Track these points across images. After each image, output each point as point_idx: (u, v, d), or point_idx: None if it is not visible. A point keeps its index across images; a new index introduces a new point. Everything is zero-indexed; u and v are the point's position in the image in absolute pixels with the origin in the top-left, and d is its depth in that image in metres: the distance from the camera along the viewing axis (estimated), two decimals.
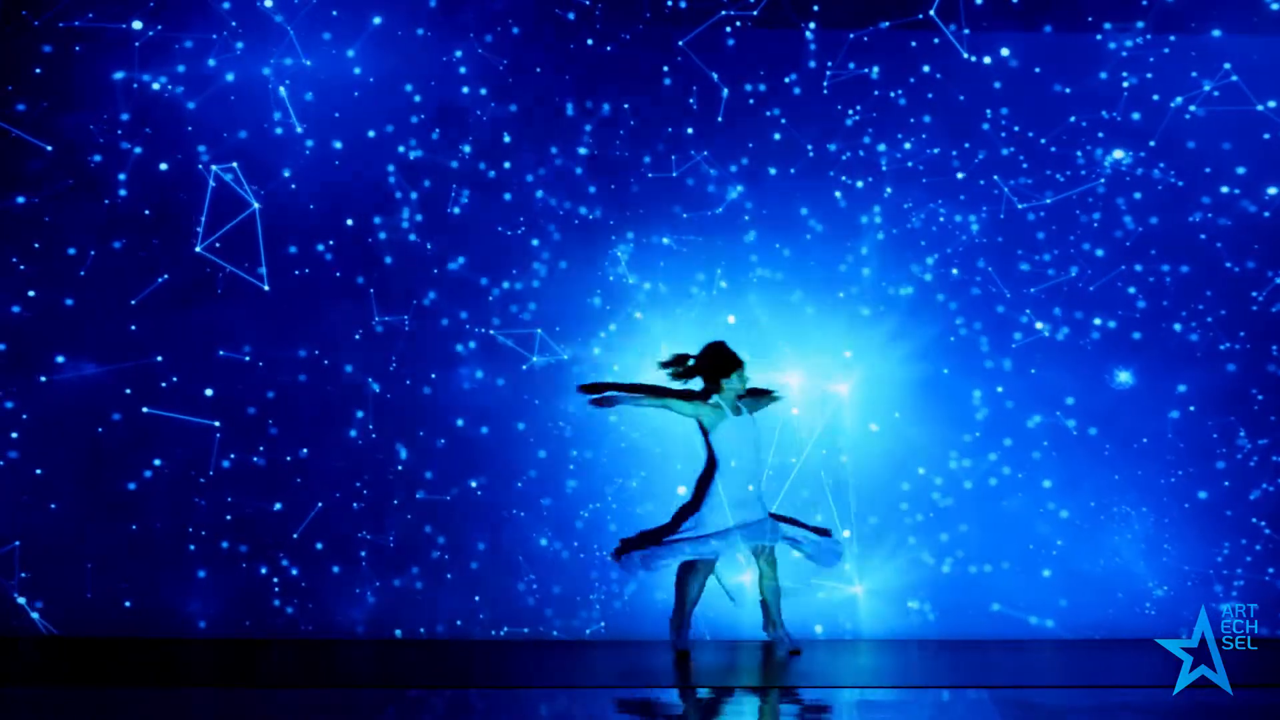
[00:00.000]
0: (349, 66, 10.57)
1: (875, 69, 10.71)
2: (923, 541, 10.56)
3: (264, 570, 10.44)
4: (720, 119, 10.69)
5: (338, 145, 10.55)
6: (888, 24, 10.63)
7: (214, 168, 10.42)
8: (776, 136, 10.71)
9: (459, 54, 10.65)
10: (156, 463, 10.43)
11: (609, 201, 10.68)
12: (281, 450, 10.50)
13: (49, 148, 10.45)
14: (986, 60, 10.69)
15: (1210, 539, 10.56)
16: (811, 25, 10.68)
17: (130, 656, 9.82)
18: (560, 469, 10.61)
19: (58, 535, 10.37)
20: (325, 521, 10.47)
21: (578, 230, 10.67)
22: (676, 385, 10.03)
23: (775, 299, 10.67)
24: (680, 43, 10.63)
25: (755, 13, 10.63)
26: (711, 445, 9.88)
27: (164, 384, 10.44)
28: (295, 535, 10.43)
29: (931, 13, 10.53)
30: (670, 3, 10.65)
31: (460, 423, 10.58)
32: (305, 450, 10.49)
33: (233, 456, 10.47)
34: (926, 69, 10.71)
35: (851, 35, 10.66)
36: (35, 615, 10.33)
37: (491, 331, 10.58)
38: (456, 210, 10.64)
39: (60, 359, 10.42)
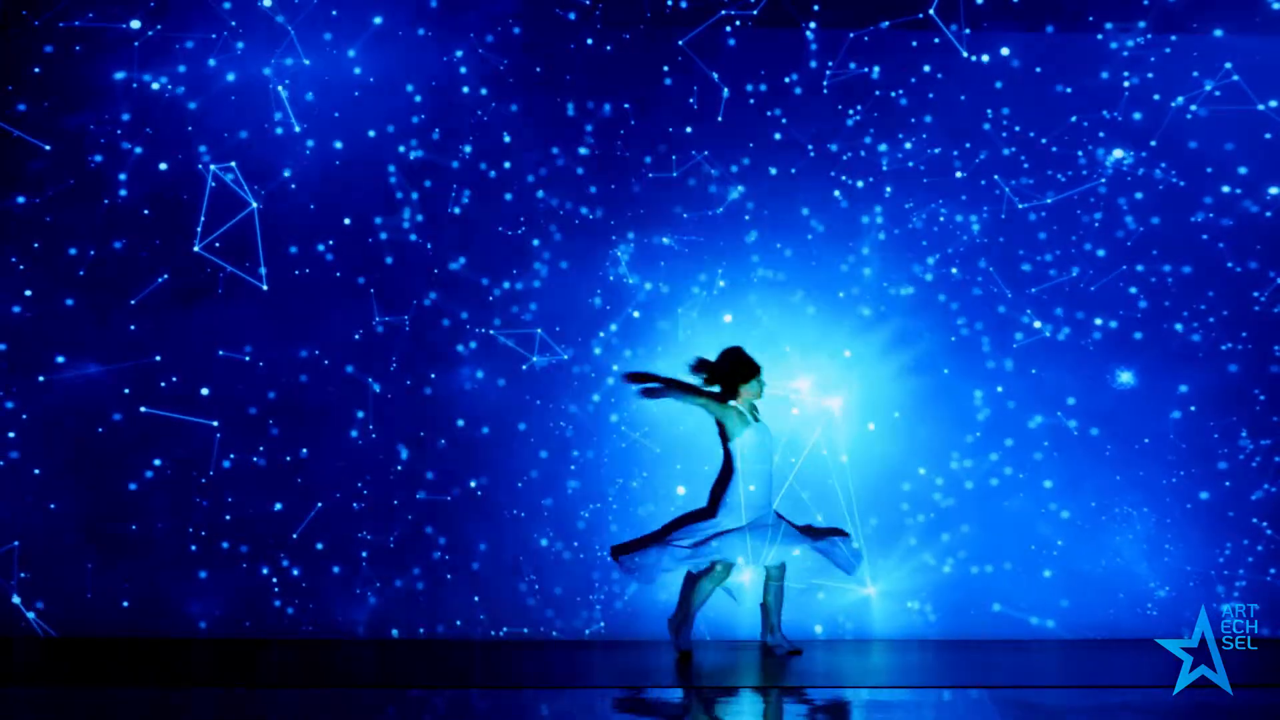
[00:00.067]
0: (350, 66, 10.57)
1: (876, 69, 10.70)
2: (924, 542, 10.54)
3: (264, 570, 10.43)
4: (720, 119, 10.69)
5: (338, 145, 10.56)
6: (888, 24, 10.62)
7: (213, 167, 10.43)
8: (777, 136, 10.71)
9: (460, 54, 10.66)
10: (157, 463, 10.43)
11: (610, 201, 10.68)
12: (282, 450, 10.50)
13: (47, 147, 10.45)
14: (987, 60, 10.68)
15: (1212, 539, 10.55)
16: (812, 25, 10.67)
17: (130, 657, 9.81)
18: (561, 469, 10.60)
19: (58, 535, 10.37)
20: (326, 522, 10.47)
21: (578, 230, 10.67)
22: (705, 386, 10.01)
23: (776, 299, 10.66)
24: (680, 42, 10.63)
25: (755, 12, 10.62)
26: (731, 452, 9.81)
27: (164, 384, 10.44)
28: (295, 535, 10.42)
29: (931, 12, 10.53)
30: (670, 3, 10.65)
31: (461, 423, 10.58)
32: (305, 450, 10.49)
33: (232, 456, 10.47)
34: (927, 69, 10.70)
35: (852, 35, 10.66)
36: (31, 615, 10.33)
37: (492, 331, 10.58)
38: (457, 210, 10.64)
39: (60, 359, 10.42)
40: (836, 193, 10.69)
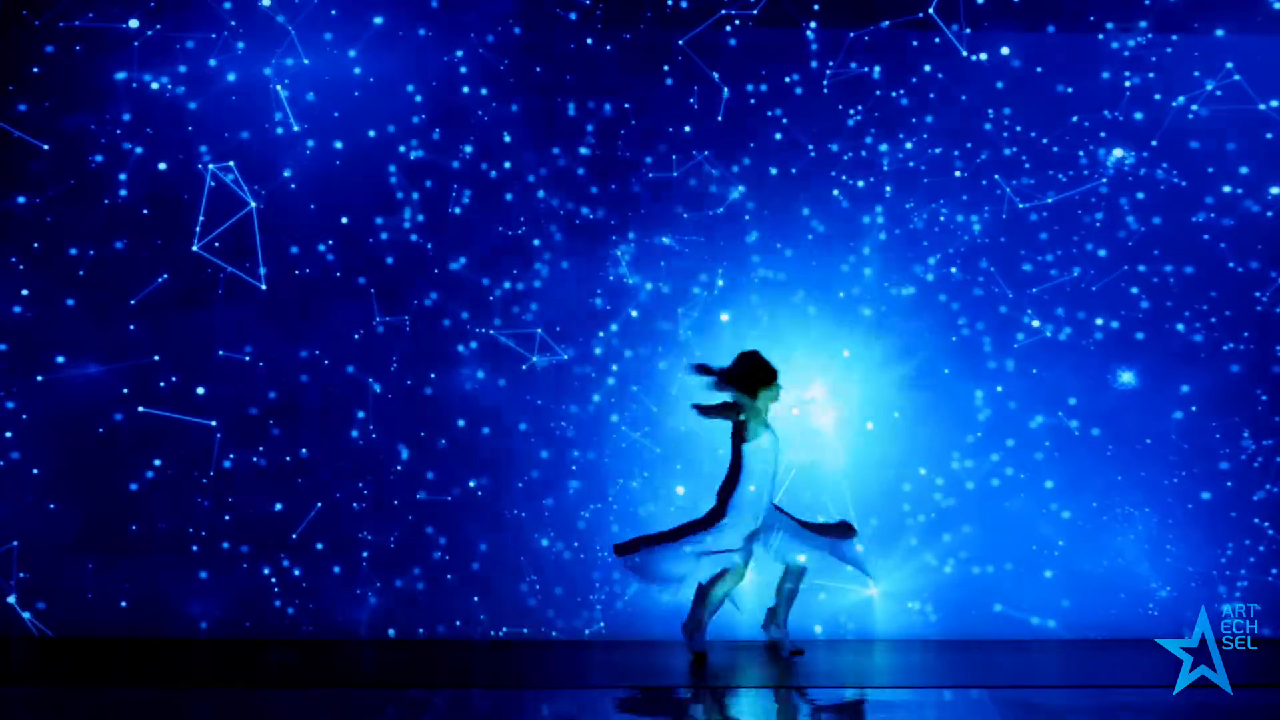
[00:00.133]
0: (350, 66, 10.57)
1: (877, 69, 10.69)
2: (925, 542, 10.53)
3: (265, 571, 10.43)
4: (720, 119, 10.68)
5: (339, 145, 10.55)
6: (889, 23, 10.61)
7: (211, 167, 10.42)
8: (778, 136, 10.70)
9: (460, 54, 10.65)
10: (157, 463, 10.43)
11: (610, 202, 10.68)
12: (282, 450, 10.50)
13: (45, 146, 10.45)
14: (985, 58, 10.67)
15: (1213, 540, 10.54)
16: (812, 25, 10.66)
17: (130, 657, 9.81)
18: (562, 469, 10.60)
19: (58, 535, 10.37)
20: (326, 522, 10.47)
21: (579, 230, 10.67)
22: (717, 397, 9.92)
23: (777, 299, 10.65)
24: (680, 42, 10.62)
25: (755, 11, 10.61)
26: (743, 454, 9.72)
27: (165, 384, 10.44)
28: (294, 536, 10.42)
29: (930, 11, 10.52)
30: (671, 3, 10.64)
31: (461, 423, 10.58)
32: (306, 451, 10.49)
33: (232, 456, 10.47)
34: (928, 68, 10.70)
35: (852, 34, 10.65)
36: (27, 615, 10.33)
37: (491, 331, 10.57)
38: (458, 210, 10.64)
39: (60, 359, 10.42)
40: (836, 192, 10.68)
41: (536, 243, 10.64)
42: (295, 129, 10.51)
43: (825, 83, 10.70)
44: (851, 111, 10.70)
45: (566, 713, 8.49)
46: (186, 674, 9.38)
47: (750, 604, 10.26)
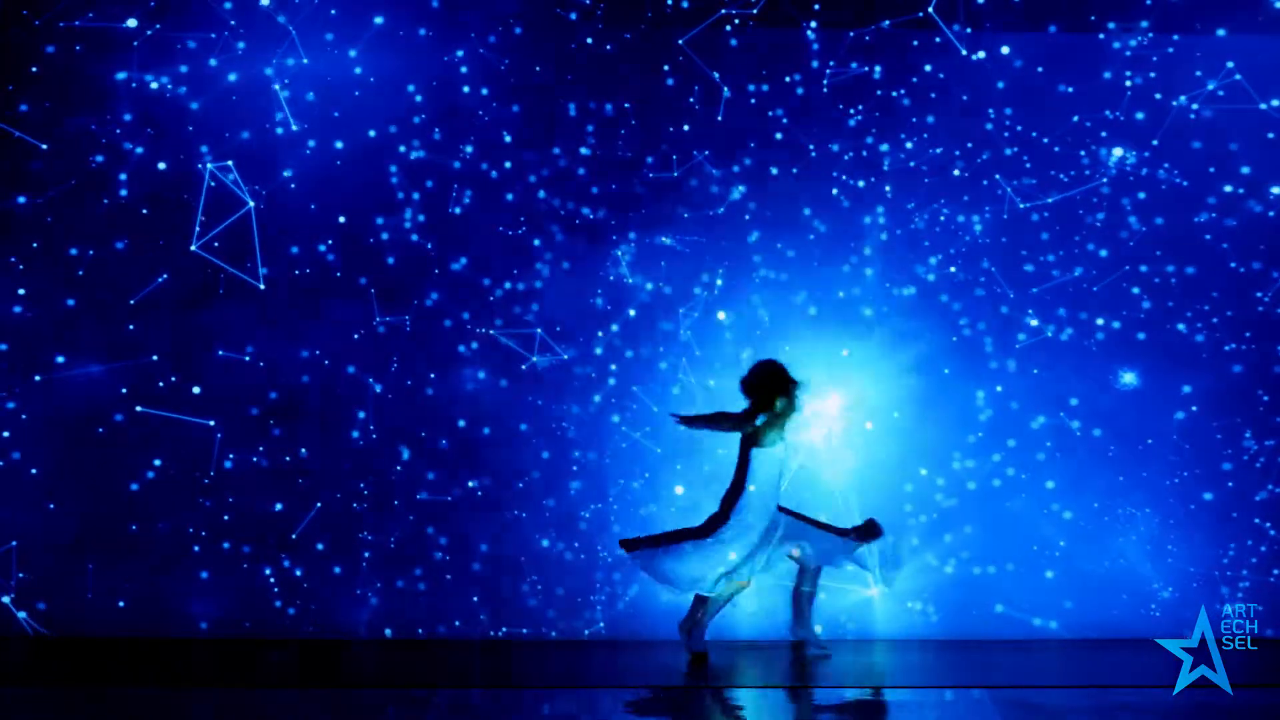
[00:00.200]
0: (350, 66, 10.56)
1: (878, 68, 10.68)
2: (926, 542, 10.51)
3: (266, 571, 10.43)
4: (720, 118, 10.67)
5: (339, 145, 10.54)
6: (889, 23, 10.60)
7: (210, 166, 10.41)
8: (778, 136, 10.69)
9: (461, 54, 10.65)
10: (157, 463, 10.43)
11: (611, 202, 10.67)
12: (283, 451, 10.49)
13: (44, 146, 10.45)
14: (984, 57, 10.65)
15: (1215, 541, 10.52)
16: (813, 24, 10.65)
17: (131, 657, 9.81)
18: (563, 470, 10.59)
19: (58, 535, 10.37)
20: (327, 522, 10.47)
21: (580, 230, 10.66)
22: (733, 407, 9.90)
23: (778, 300, 10.64)
24: (680, 41, 10.61)
25: (754, 11, 10.60)
26: (750, 458, 9.69)
27: (165, 384, 10.43)
28: (294, 535, 10.41)
29: (930, 10, 10.50)
30: (671, 2, 10.63)
31: (462, 423, 10.58)
32: (306, 451, 10.49)
33: (232, 456, 10.46)
34: (929, 68, 10.68)
35: (852, 34, 10.63)
36: (22, 615, 10.32)
37: (492, 332, 10.57)
38: (458, 210, 10.63)
39: (60, 359, 10.42)
40: (836, 192, 10.67)
41: (537, 243, 10.63)
42: (295, 129, 10.51)
43: (825, 82, 10.69)
44: (852, 111, 10.69)
45: (567, 712, 8.49)
46: (187, 674, 9.38)
47: (751, 605, 10.26)
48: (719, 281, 10.65)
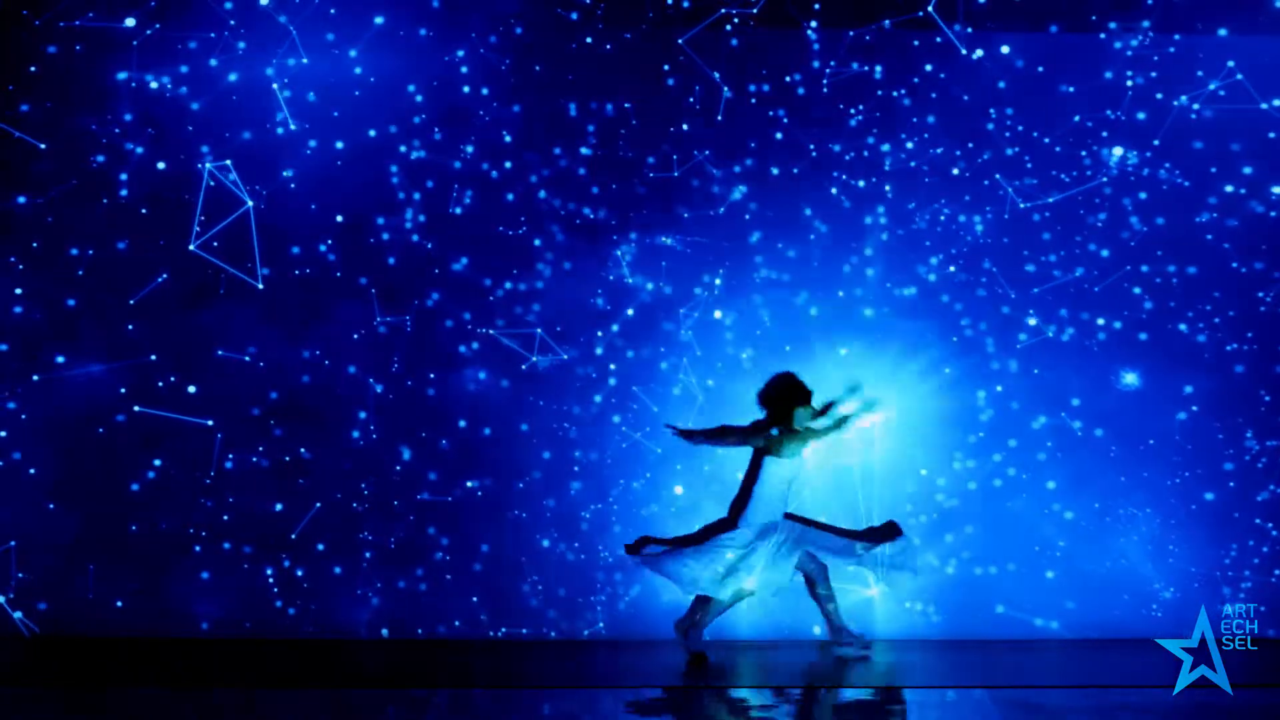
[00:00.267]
0: (351, 66, 10.57)
1: (878, 68, 10.67)
2: (927, 543, 10.49)
3: (267, 571, 10.43)
4: (720, 118, 10.66)
5: (340, 145, 10.55)
6: (890, 23, 10.59)
7: (208, 165, 10.41)
8: (779, 136, 10.69)
9: (461, 54, 10.65)
10: (158, 463, 10.43)
11: (612, 202, 10.67)
12: (283, 451, 10.49)
13: (43, 145, 10.45)
14: (990, 59, 10.64)
15: (1217, 541, 10.51)
16: (813, 24, 10.65)
17: (131, 657, 9.81)
18: (564, 470, 10.59)
19: (58, 535, 10.37)
20: (328, 522, 10.47)
21: (580, 231, 10.66)
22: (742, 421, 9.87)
23: (779, 300, 10.64)
24: (680, 40, 10.60)
25: (755, 10, 10.60)
26: (762, 466, 9.65)
27: (164, 385, 10.43)
28: (293, 536, 10.41)
29: (930, 9, 10.49)
30: (671, 2, 10.63)
31: (463, 423, 10.58)
32: (306, 451, 10.49)
33: (231, 457, 10.46)
34: (929, 68, 10.68)
35: (852, 34, 10.63)
36: (18, 615, 10.32)
37: (493, 332, 10.57)
38: (459, 211, 10.63)
39: (60, 359, 10.42)
40: (834, 191, 10.66)
41: (538, 243, 10.63)
42: (296, 129, 10.51)
43: (826, 82, 10.69)
44: (853, 111, 10.68)
45: (567, 712, 8.48)
46: (187, 674, 9.37)
47: (751, 605, 10.24)
48: (718, 281, 10.64)
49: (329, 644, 10.27)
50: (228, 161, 10.43)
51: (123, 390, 10.42)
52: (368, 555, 10.47)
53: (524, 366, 10.56)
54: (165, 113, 10.49)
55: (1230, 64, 10.53)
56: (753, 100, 10.69)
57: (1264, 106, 10.52)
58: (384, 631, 10.45)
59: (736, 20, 10.63)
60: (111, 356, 10.43)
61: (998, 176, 10.62)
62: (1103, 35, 10.64)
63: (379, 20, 10.54)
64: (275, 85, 10.49)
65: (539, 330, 10.57)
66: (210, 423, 10.44)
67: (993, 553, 10.53)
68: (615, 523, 10.54)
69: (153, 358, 10.46)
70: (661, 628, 10.22)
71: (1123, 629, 10.40)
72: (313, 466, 10.49)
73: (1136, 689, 8.67)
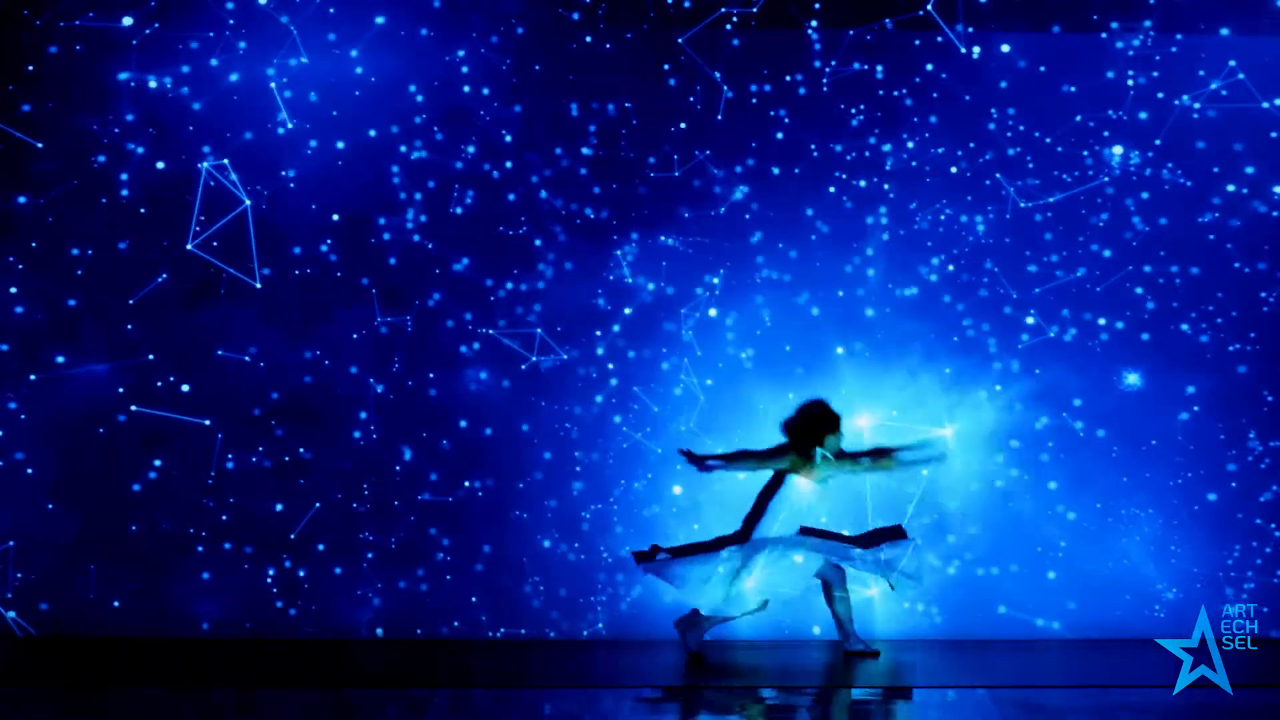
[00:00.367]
0: (352, 66, 10.56)
1: (879, 68, 10.66)
2: (929, 543, 10.44)
3: (268, 571, 10.43)
4: (721, 118, 10.65)
5: (340, 145, 10.54)
6: (891, 22, 10.58)
7: (206, 165, 10.41)
8: (780, 136, 10.68)
9: (462, 54, 10.65)
10: (158, 463, 10.43)
11: (613, 202, 10.66)
12: (284, 451, 10.49)
13: (40, 145, 10.45)
14: (991, 59, 10.63)
15: (1219, 541, 10.49)
16: (814, 24, 10.64)
17: (131, 657, 9.81)
18: (565, 470, 10.58)
19: (58, 535, 10.38)
20: (328, 522, 10.47)
21: (581, 231, 10.65)
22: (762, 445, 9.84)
23: (781, 300, 10.63)
24: (680, 40, 10.59)
25: (754, 9, 10.58)
26: (783, 484, 9.62)
27: (164, 384, 10.44)
28: (294, 536, 10.41)
29: (930, 9, 10.47)
30: (672, 2, 10.62)
31: (464, 424, 10.57)
32: (306, 451, 10.48)
33: (232, 457, 10.46)
34: (930, 68, 10.66)
35: (853, 33, 10.61)
36: (11, 615, 10.31)
37: (494, 332, 10.56)
38: (460, 211, 10.63)
39: (60, 359, 10.43)
40: (834, 190, 10.65)
41: (539, 243, 10.63)
42: (296, 128, 10.51)
43: (827, 82, 10.68)
44: (854, 111, 10.67)
45: (567, 712, 8.47)
46: (188, 675, 9.36)
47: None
48: (716, 280, 10.63)
49: (329, 644, 10.27)
50: (225, 161, 10.43)
51: (122, 390, 10.42)
52: (368, 555, 10.47)
53: (523, 367, 10.56)
54: (166, 113, 10.49)
55: (1232, 63, 10.51)
56: (753, 100, 10.68)
57: (1266, 106, 10.51)
58: (379, 631, 10.44)
59: (737, 20, 10.63)
60: (111, 356, 10.43)
61: (999, 176, 10.60)
62: (1104, 35, 10.62)
63: (380, 20, 10.54)
64: (275, 85, 10.49)
65: (540, 330, 10.57)
66: (210, 423, 10.44)
67: (995, 553, 10.51)
68: (616, 523, 10.53)
69: (152, 358, 10.47)
70: (662, 628, 10.20)
71: (1125, 629, 10.38)
72: (313, 467, 10.48)
73: (1137, 689, 8.65)
